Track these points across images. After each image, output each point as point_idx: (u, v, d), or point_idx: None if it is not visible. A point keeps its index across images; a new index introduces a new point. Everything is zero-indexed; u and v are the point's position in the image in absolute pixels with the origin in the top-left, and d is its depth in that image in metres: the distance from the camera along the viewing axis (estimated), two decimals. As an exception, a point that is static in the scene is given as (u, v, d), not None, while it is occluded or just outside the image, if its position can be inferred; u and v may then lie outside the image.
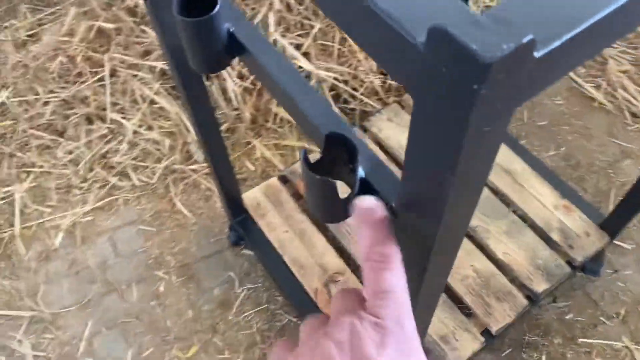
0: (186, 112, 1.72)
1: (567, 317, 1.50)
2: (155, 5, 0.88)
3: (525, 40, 0.29)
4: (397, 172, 1.66)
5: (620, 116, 1.85)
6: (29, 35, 1.91)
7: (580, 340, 1.46)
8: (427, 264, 0.50)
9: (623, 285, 1.55)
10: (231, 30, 0.64)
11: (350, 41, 1.79)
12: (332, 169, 0.53)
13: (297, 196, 1.58)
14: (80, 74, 1.77)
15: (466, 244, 1.45)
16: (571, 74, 1.94)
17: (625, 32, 0.40)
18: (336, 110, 1.82)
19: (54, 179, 1.76)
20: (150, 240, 1.67)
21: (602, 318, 1.50)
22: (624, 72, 1.91)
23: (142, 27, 1.73)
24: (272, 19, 1.73)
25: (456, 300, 1.39)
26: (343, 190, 0.52)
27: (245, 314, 1.54)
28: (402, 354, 0.36)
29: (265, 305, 1.55)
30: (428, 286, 0.56)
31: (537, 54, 0.32)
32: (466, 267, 1.42)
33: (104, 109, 1.78)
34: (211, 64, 0.66)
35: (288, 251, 1.47)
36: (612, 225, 1.42)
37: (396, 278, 0.40)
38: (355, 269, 1.43)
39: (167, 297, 1.57)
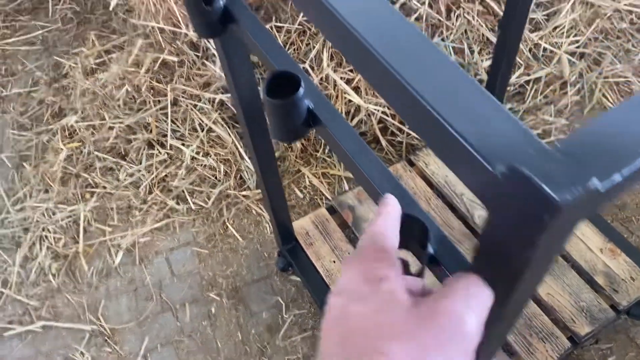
0: (245, 143, 1.81)
1: (609, 359, 1.51)
2: (227, 51, 0.96)
3: (592, 185, 0.35)
4: (442, 207, 1.68)
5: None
6: (97, 64, 2.04)
7: (622, 383, 1.48)
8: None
9: (668, 330, 1.55)
10: (311, 107, 0.71)
11: (401, 77, 1.85)
12: (405, 243, 0.59)
13: (344, 226, 1.65)
14: (144, 102, 1.88)
15: (510, 282, 1.48)
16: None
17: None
18: (384, 142, 1.88)
19: (115, 199, 1.87)
20: (203, 261, 1.76)
21: (645, 362, 1.51)
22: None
23: (203, 60, 1.84)
24: (325, 55, 1.81)
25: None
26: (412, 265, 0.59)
27: (292, 338, 1.60)
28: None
29: (311, 332, 1.62)
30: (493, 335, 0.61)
31: (602, 189, 0.37)
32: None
33: (165, 135, 1.89)
34: (290, 135, 0.73)
35: (335, 281, 1.53)
36: (658, 271, 1.44)
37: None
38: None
39: (217, 318, 1.65)
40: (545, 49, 2.01)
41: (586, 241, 1.53)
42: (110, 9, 1.76)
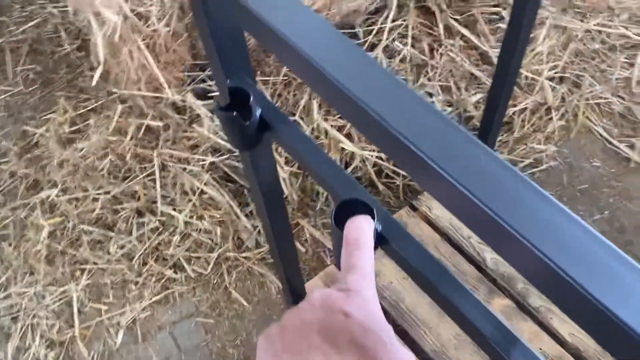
0: (264, 230, 1.75)
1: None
2: (255, 160, 0.92)
3: None
4: (452, 252, 1.67)
5: (658, 175, 1.89)
6: (72, 131, 1.94)
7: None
8: None
9: (684, 352, 1.57)
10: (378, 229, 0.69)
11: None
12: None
13: (356, 283, 1.60)
14: (129, 170, 1.80)
15: (532, 326, 1.47)
16: (605, 134, 1.99)
17: None
18: (380, 186, 1.86)
19: (108, 274, 1.78)
20: (210, 332, 1.69)
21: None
22: (656, 130, 1.96)
23: (191, 123, 1.77)
24: (314, 104, 1.77)
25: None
26: None
27: (315, 406, 1.54)
28: (362, 310, 0.42)
29: (333, 395, 1.56)
30: None
31: None
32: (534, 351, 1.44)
33: (154, 202, 1.80)
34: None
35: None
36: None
37: (363, 259, 0.50)
38: (421, 352, 1.45)
39: (234, 393, 1.58)
40: (527, 77, 2.03)
41: (599, 274, 1.53)
42: (93, 84, 1.67)
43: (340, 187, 0.71)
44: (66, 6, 2.05)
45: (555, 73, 2.07)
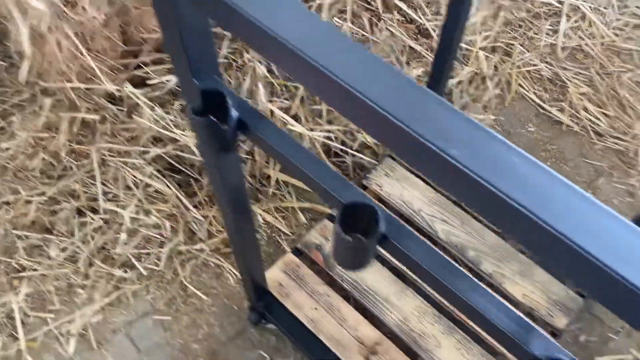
0: (227, 227, 1.68)
1: (581, 339, 1.63)
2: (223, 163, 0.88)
3: None
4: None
5: (587, 136, 2.01)
6: (-5, 129, 1.78)
7: (596, 358, 1.60)
8: None
9: (621, 300, 1.70)
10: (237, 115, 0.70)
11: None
12: (356, 229, 0.62)
13: (315, 267, 1.60)
14: (65, 168, 1.68)
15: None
16: (537, 99, 2.08)
17: None
18: (329, 164, 1.85)
19: (52, 280, 1.67)
20: (169, 329, 1.63)
21: (610, 334, 1.64)
22: (583, 94, 2.07)
23: (129, 113, 1.67)
24: (261, 87, 1.73)
25: (488, 348, 1.47)
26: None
27: (285, 391, 1.55)
28: None
29: (302, 379, 1.57)
30: None
31: None
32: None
33: (96, 200, 1.70)
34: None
35: (322, 329, 1.49)
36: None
37: None
38: (392, 336, 1.48)
39: (201, 388, 1.55)
40: (461, 48, 2.07)
41: (544, 236, 1.62)
42: (21, 78, 1.52)
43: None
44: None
45: (488, 43, 2.12)
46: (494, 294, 1.54)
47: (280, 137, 0.74)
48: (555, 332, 1.49)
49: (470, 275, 0.67)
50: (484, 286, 0.71)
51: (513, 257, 1.59)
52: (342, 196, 0.69)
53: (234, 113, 0.71)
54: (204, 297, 1.69)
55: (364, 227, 0.63)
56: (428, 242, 0.67)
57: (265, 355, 1.60)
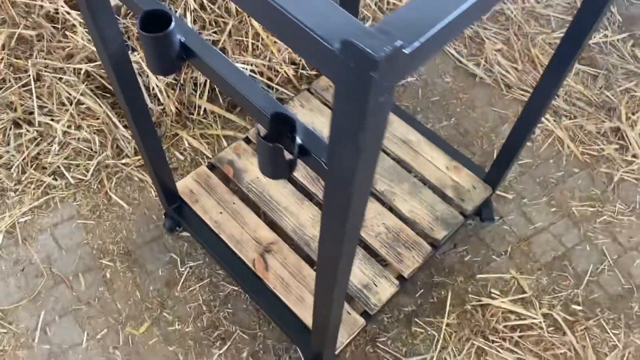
0: (120, 106, 1.83)
1: (466, 259, 1.80)
2: (93, 14, 1.02)
3: (397, 44, 0.50)
4: None
5: (497, 88, 2.18)
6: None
7: (478, 276, 1.76)
8: (349, 207, 0.71)
9: (508, 228, 1.86)
10: (182, 40, 0.81)
11: (263, 36, 1.97)
12: (278, 139, 0.73)
13: (225, 180, 1.75)
14: (3, 80, 1.82)
15: (377, 206, 1.70)
16: (455, 54, 2.25)
17: (461, 29, 0.63)
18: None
19: (-15, 183, 1.81)
20: (91, 232, 1.78)
21: (493, 256, 1.81)
22: (498, 50, 2.24)
23: (64, 32, 1.81)
24: (189, 18, 1.88)
25: (373, 254, 1.63)
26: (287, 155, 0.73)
27: (190, 288, 1.70)
28: None
29: (208, 279, 1.72)
30: (350, 231, 0.77)
31: (406, 51, 0.53)
32: (379, 226, 1.66)
33: (31, 113, 1.85)
34: (167, 67, 0.83)
35: (224, 230, 1.64)
36: (493, 178, 1.73)
37: None
38: (286, 238, 1.64)
39: (114, 282, 1.70)
40: (388, 2, 2.24)
41: (435, 162, 1.78)
42: None
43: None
44: None
45: (414, 0, 2.29)
46: (385, 209, 1.69)
47: (219, 60, 0.87)
48: (434, 243, 1.65)
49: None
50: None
51: (405, 180, 1.75)
52: (267, 110, 0.82)
53: (180, 37, 0.82)
54: (125, 206, 1.84)
55: (286, 141, 0.73)
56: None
57: (176, 257, 1.75)
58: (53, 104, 1.85)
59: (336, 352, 1.48)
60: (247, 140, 1.83)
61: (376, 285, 1.57)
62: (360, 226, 0.88)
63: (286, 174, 0.76)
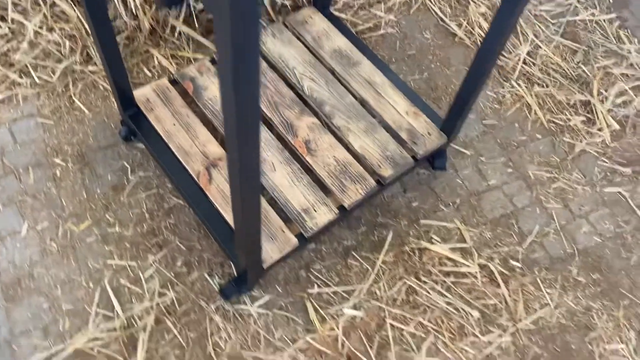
0: (85, 15, 1.84)
1: (414, 204, 1.80)
2: None
3: None
4: (277, 79, 1.86)
5: (475, 49, 2.17)
6: None
7: (422, 221, 1.77)
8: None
9: (460, 182, 1.87)
10: None
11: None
12: None
13: (184, 95, 1.77)
14: (-20, -27, 1.84)
15: (331, 139, 1.71)
16: (439, 12, 2.24)
17: None
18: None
19: (-48, 72, 1.83)
20: (48, 131, 1.80)
21: (441, 206, 1.81)
22: (482, 14, 2.23)
23: None
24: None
25: (318, 183, 1.64)
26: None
27: (136, 196, 1.72)
28: None
29: (155, 190, 1.74)
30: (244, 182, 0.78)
31: None
32: (329, 157, 1.67)
33: (5, 9, 1.86)
34: None
35: (174, 140, 1.66)
36: (448, 127, 1.73)
37: None
38: (234, 153, 1.65)
39: (63, 180, 1.72)
40: (378, -46, 2.23)
41: (396, 106, 1.78)
42: None
43: None
44: None
45: (406, -46, 2.28)
46: (338, 142, 1.70)
47: None
48: (380, 180, 1.66)
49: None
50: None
51: (363, 117, 1.76)
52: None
53: None
54: (87, 111, 1.85)
55: None
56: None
57: (128, 166, 1.77)
58: (27, 2, 1.86)
59: (265, 267, 1.50)
60: (213, 61, 1.84)
61: (315, 211, 1.58)
62: (259, 85, 0.88)
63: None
